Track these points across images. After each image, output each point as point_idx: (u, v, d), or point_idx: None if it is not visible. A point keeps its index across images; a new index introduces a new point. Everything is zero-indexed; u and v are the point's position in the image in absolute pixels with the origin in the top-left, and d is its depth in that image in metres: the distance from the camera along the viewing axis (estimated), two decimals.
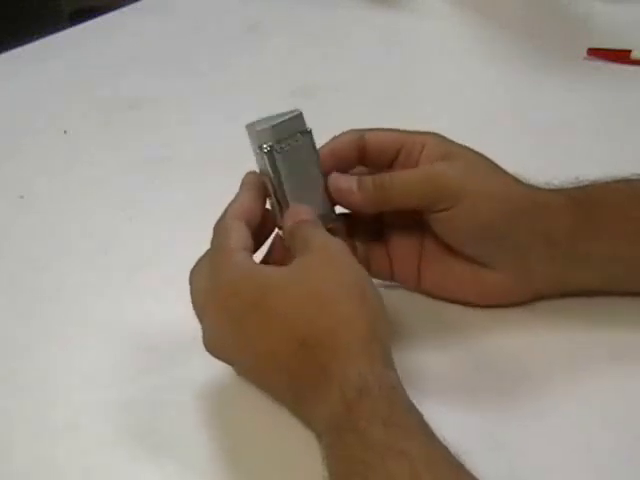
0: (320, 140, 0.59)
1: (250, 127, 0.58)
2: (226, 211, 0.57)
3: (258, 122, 0.58)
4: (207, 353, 0.55)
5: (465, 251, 0.59)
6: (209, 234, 0.56)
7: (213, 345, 0.55)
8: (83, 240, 0.71)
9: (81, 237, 0.71)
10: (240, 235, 0.55)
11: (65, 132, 0.83)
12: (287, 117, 0.58)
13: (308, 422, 0.52)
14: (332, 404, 0.49)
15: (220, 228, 0.56)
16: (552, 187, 0.60)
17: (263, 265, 0.55)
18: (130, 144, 0.82)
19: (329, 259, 0.53)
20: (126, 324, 0.63)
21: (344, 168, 0.60)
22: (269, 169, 0.58)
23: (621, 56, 0.91)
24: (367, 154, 0.60)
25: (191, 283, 0.55)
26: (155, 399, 0.57)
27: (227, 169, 0.76)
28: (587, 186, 0.60)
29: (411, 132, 0.60)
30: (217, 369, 0.56)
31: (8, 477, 0.53)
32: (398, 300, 0.62)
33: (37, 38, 0.97)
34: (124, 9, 1.04)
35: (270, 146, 0.57)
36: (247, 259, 0.54)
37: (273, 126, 0.57)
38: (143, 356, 0.60)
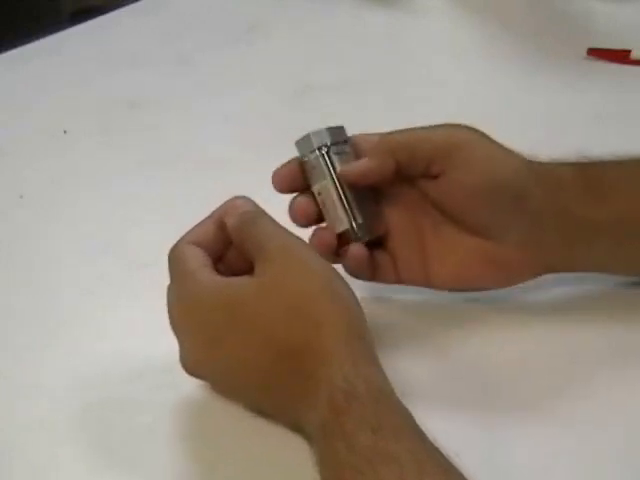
0: None
1: (300, 140, 0.59)
2: (178, 241, 0.56)
3: (309, 134, 0.59)
4: None
5: (475, 218, 0.58)
6: None
7: (190, 365, 0.54)
8: (83, 240, 0.71)
9: (81, 237, 0.71)
10: (195, 255, 0.54)
11: (65, 132, 0.83)
12: (334, 126, 0.59)
13: (298, 428, 0.52)
14: (320, 410, 0.48)
15: (173, 256, 0.55)
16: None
17: (228, 278, 0.54)
18: (130, 144, 0.82)
19: (293, 263, 0.52)
20: (125, 324, 0.63)
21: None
22: (329, 171, 0.58)
23: (621, 56, 0.91)
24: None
25: (168, 311, 0.55)
26: (156, 399, 0.57)
27: (227, 169, 0.77)
28: (594, 160, 0.60)
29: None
30: None
31: None
32: (397, 301, 0.62)
33: (37, 38, 0.97)
34: (124, 9, 1.04)
35: (327, 146, 0.58)
36: (210, 274, 0.54)
37: (328, 128, 0.58)
38: (140, 357, 0.60)
